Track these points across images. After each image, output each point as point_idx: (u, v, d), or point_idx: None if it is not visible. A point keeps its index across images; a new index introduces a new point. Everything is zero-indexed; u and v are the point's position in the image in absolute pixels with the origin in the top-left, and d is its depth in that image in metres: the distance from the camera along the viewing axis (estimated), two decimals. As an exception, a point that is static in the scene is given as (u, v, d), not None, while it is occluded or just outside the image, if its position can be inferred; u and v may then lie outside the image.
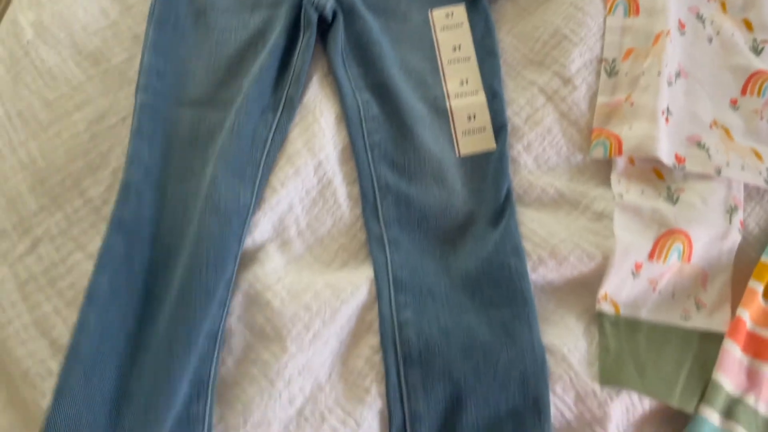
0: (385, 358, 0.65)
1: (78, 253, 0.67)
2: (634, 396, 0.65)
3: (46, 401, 0.62)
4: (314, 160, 0.73)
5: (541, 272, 0.70)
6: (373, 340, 0.67)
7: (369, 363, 0.66)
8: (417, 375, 0.65)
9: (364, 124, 0.75)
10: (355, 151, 0.74)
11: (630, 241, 0.70)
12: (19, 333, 0.64)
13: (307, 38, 0.77)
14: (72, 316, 0.65)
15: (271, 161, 0.72)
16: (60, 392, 0.61)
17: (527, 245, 0.71)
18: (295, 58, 0.76)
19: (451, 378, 0.64)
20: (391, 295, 0.68)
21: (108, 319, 0.64)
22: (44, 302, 0.65)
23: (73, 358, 0.62)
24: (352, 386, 0.65)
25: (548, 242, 0.71)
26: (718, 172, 0.74)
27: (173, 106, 0.74)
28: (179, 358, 0.62)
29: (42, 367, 0.63)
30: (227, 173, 0.70)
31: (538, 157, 0.77)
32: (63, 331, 0.64)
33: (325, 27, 0.79)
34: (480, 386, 0.64)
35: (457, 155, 0.75)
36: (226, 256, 0.66)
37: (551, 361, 0.65)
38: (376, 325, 0.67)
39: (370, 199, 0.72)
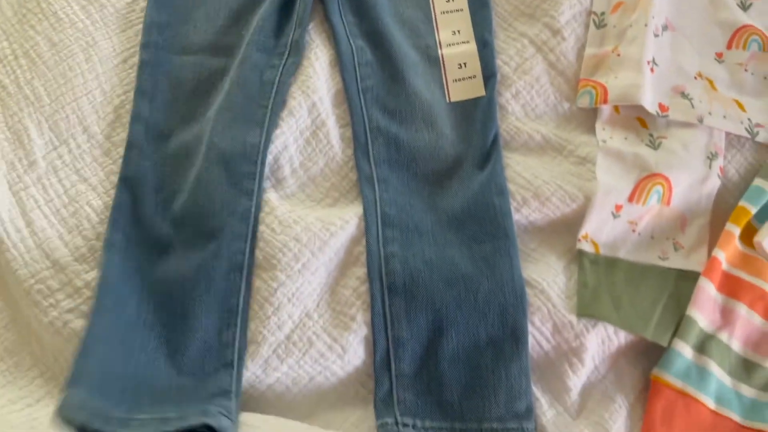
0: (371, 288, 0.68)
1: (81, 185, 0.71)
2: (610, 329, 0.68)
3: (47, 318, 0.65)
4: (308, 101, 0.76)
5: (524, 212, 0.73)
6: (360, 271, 0.70)
7: (356, 293, 0.69)
8: (401, 304, 0.68)
9: (357, 69, 0.77)
10: (348, 95, 0.77)
11: (611, 183, 0.73)
12: (23, 256, 0.68)
13: None
14: (73, 241, 0.68)
15: (279, 104, 0.75)
16: (90, 339, 0.64)
17: (512, 187, 0.74)
18: (297, 3, 0.79)
19: (434, 307, 0.67)
20: (378, 230, 0.71)
21: (126, 271, 0.68)
22: (48, 228, 0.69)
23: (99, 309, 0.66)
24: (339, 314, 0.68)
25: (532, 184, 0.73)
26: (701, 120, 0.76)
27: (175, 55, 0.77)
28: (192, 297, 0.66)
29: (44, 285, 0.66)
30: (233, 122, 0.73)
31: (526, 105, 0.79)
32: (65, 253, 0.68)
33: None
34: (461, 315, 0.67)
35: (448, 101, 0.78)
36: (234, 196, 0.70)
37: (530, 294, 0.68)
38: (363, 258, 0.70)
39: (362, 140, 0.75)
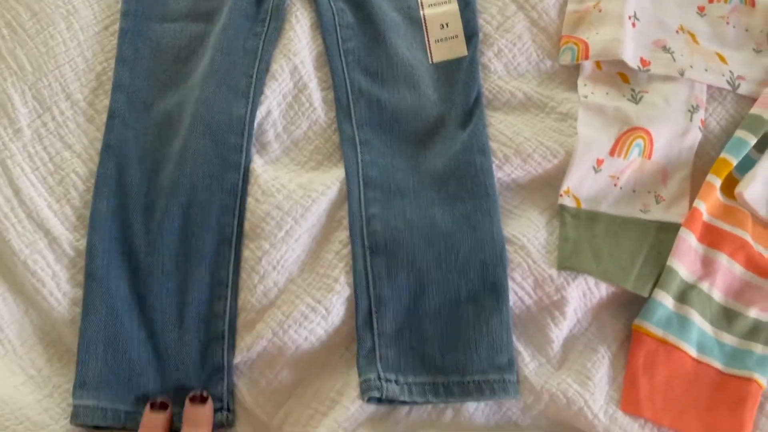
0: (352, 249, 0.69)
1: (66, 152, 0.72)
2: (591, 281, 0.69)
3: (45, 289, 0.67)
4: (290, 64, 0.76)
5: (506, 170, 0.73)
6: (342, 235, 0.70)
7: (338, 256, 0.70)
8: (382, 263, 0.69)
9: (338, 32, 0.78)
10: (330, 57, 0.77)
11: (592, 137, 0.73)
12: (15, 226, 0.69)
13: None
14: (62, 210, 0.69)
15: (263, 72, 0.76)
16: (87, 305, 0.66)
17: (494, 145, 0.74)
18: None
19: (414, 265, 0.68)
20: (360, 191, 0.71)
21: (112, 239, 0.69)
22: (36, 197, 0.70)
23: (91, 280, 0.67)
24: (323, 277, 0.69)
25: (514, 141, 0.74)
26: (682, 73, 0.76)
27: (155, 22, 0.77)
28: (183, 270, 0.68)
29: (40, 256, 0.68)
30: (218, 91, 0.73)
31: (508, 64, 0.79)
32: (55, 223, 0.69)
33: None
34: (441, 273, 0.68)
35: (430, 62, 0.78)
36: (222, 169, 0.71)
37: (510, 250, 0.69)
38: (345, 221, 0.71)
39: (344, 102, 0.75)
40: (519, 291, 0.68)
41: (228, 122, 0.72)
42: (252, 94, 0.74)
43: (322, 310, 0.67)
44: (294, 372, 0.68)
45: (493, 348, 0.65)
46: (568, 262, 0.68)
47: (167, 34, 0.76)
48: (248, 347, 0.66)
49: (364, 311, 0.68)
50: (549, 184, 0.74)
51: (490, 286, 0.67)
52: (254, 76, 0.75)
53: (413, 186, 0.72)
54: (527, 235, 0.70)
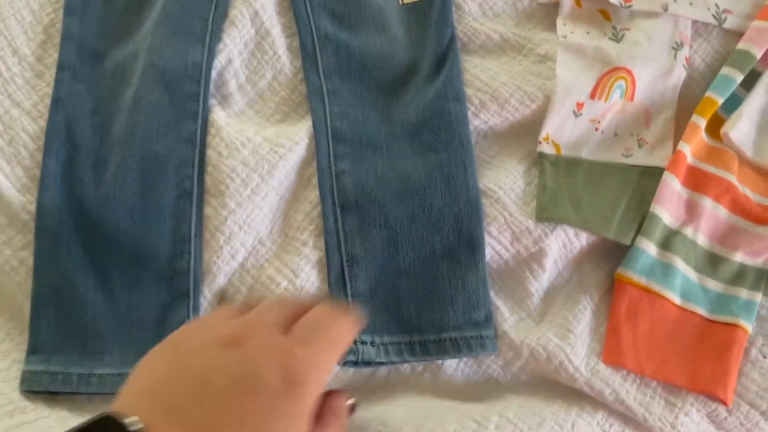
0: (323, 207, 0.66)
1: (15, 110, 0.67)
2: (570, 232, 0.66)
3: (1, 258, 0.64)
4: (250, 10, 0.71)
5: (483, 117, 0.70)
6: (312, 194, 0.67)
7: (308, 217, 0.66)
8: (354, 221, 0.66)
9: (301, -24, 0.73)
10: (293, 1, 0.72)
11: (571, 80, 0.69)
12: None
13: None
14: (14, 172, 0.65)
15: (220, 16, 0.71)
16: (37, 268, 0.63)
17: (469, 91, 0.70)
18: None
19: (387, 222, 0.65)
20: (329, 146, 0.68)
21: (65, 201, 0.65)
22: (-15, 159, 0.66)
23: (41, 240, 0.64)
24: (292, 239, 0.66)
25: (490, 86, 0.70)
26: (665, 8, 0.72)
27: None
28: (141, 225, 0.64)
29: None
30: (172, 37, 0.69)
31: (483, 4, 0.75)
32: (7, 186, 0.65)
33: None
34: (415, 229, 0.65)
35: (401, 3, 0.73)
36: (178, 119, 0.67)
37: (486, 203, 0.66)
38: (315, 180, 0.67)
39: (309, 50, 0.71)
40: (496, 245, 0.66)
41: (183, 69, 0.68)
42: (208, 39, 0.69)
43: (289, 273, 0.64)
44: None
45: (470, 304, 0.63)
46: (546, 212, 0.66)
47: None
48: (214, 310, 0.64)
49: (337, 271, 0.65)
50: (527, 130, 0.70)
51: (466, 240, 0.65)
52: (210, 20, 0.70)
53: (385, 137, 0.69)
54: (504, 186, 0.67)
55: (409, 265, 0.65)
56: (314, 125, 0.68)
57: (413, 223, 0.65)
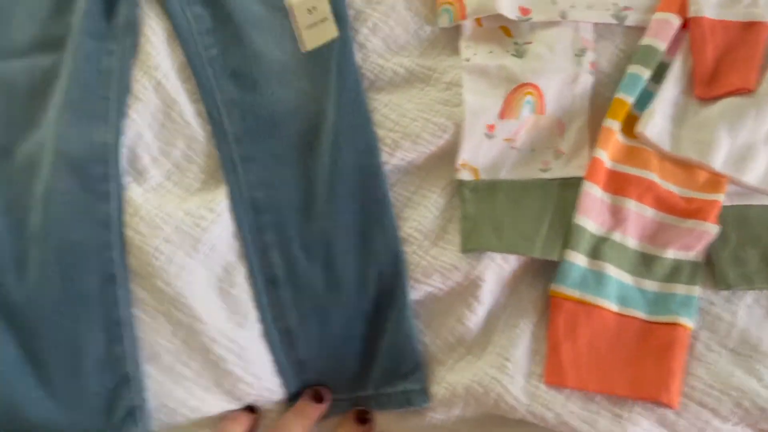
0: (254, 283, 0.67)
1: None
2: (497, 257, 0.66)
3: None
4: (153, 81, 0.71)
5: (399, 156, 0.70)
6: (241, 266, 0.68)
7: (242, 290, 0.67)
8: (285, 295, 0.67)
9: (198, 39, 0.73)
10: (194, 69, 0.72)
11: (478, 102, 0.69)
12: None
13: None
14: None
15: (123, 92, 0.71)
16: None
17: (381, 132, 0.70)
18: None
19: (315, 292, 0.67)
20: (251, 217, 0.69)
21: None
22: None
23: None
24: (232, 314, 0.67)
25: (400, 124, 0.70)
26: (564, 16, 0.72)
27: (2, 61, 0.72)
28: (70, 316, 0.65)
29: None
30: (76, 121, 0.69)
31: (387, 38, 0.75)
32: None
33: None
34: (343, 294, 0.67)
35: (303, 51, 0.73)
36: (90, 203, 0.67)
37: (409, 251, 0.67)
38: (243, 251, 0.68)
39: (216, 117, 0.71)
40: (427, 288, 0.67)
41: (89, 152, 0.68)
42: (112, 116, 0.69)
43: (236, 348, 0.65)
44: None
45: (397, 358, 0.65)
46: (469, 243, 0.66)
47: (18, 72, 0.71)
48: (169, 391, 0.65)
49: (277, 344, 0.67)
50: (445, 160, 0.70)
51: (389, 296, 0.66)
52: (113, 98, 0.70)
53: (304, 199, 0.69)
54: (424, 228, 0.68)
55: (342, 328, 0.67)
56: (232, 198, 0.69)
57: (340, 288, 0.67)
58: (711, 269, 0.67)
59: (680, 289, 0.66)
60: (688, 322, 0.65)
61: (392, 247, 0.67)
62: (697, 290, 0.66)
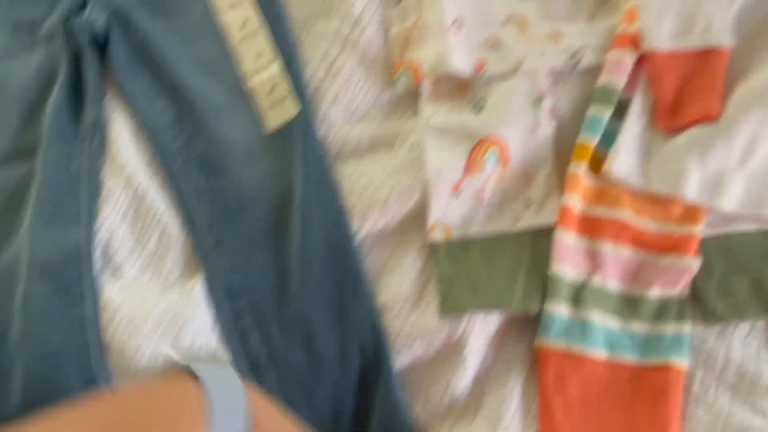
0: (237, 368, 0.67)
1: None
2: (479, 316, 0.65)
3: None
4: (121, 179, 0.72)
5: (369, 224, 0.70)
6: (223, 354, 0.68)
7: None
8: (270, 380, 0.67)
9: (164, 133, 0.74)
10: (163, 160, 0.73)
11: (441, 161, 0.69)
12: None
13: (90, 62, 0.76)
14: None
15: (94, 192, 0.72)
16: None
17: (352, 198, 0.71)
18: (87, 80, 0.76)
19: (298, 372, 0.67)
20: (228, 303, 0.69)
21: None
22: None
23: None
24: None
25: (368, 191, 0.70)
26: (518, 66, 0.72)
27: None
28: None
29: None
30: (48, 226, 0.70)
31: (348, 107, 0.75)
32: None
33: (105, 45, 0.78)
34: (324, 374, 0.66)
35: (265, 132, 0.74)
36: (66, 307, 0.67)
37: (388, 320, 0.67)
38: (224, 337, 0.68)
39: (187, 205, 0.72)
40: (412, 354, 0.66)
41: (63, 255, 0.68)
42: (84, 217, 0.70)
43: None
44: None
45: (391, 430, 0.64)
46: (447, 305, 0.65)
47: None
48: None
49: None
50: (416, 223, 0.70)
51: (374, 367, 0.66)
52: (84, 199, 0.71)
53: (278, 281, 0.69)
54: (403, 292, 0.67)
55: (330, 405, 0.66)
56: (209, 286, 0.69)
57: (322, 365, 0.66)
58: (699, 304, 0.65)
59: (670, 328, 0.64)
60: (681, 362, 0.63)
61: (370, 317, 0.66)
62: (687, 327, 0.64)
